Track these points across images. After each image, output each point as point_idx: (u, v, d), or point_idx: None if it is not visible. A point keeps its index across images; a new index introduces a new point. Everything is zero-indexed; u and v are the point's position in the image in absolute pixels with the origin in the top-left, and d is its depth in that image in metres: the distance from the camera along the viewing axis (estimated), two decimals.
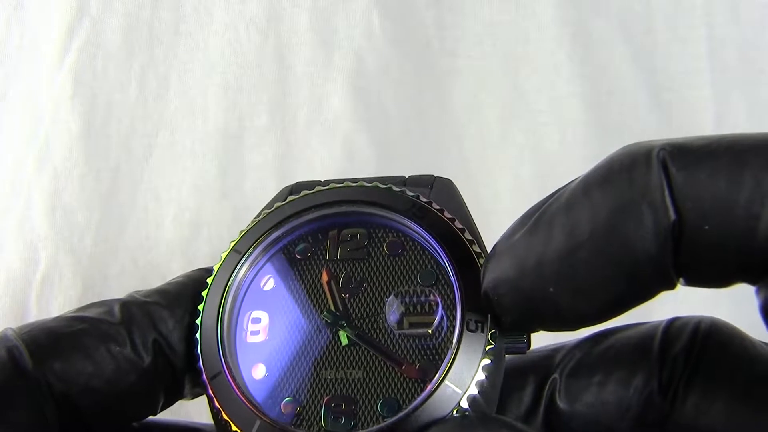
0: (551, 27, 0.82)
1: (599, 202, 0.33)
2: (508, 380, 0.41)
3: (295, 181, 0.48)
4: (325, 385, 0.40)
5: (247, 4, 0.79)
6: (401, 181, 0.46)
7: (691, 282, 0.34)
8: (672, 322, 0.41)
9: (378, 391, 0.40)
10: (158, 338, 0.41)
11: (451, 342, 0.40)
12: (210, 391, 0.40)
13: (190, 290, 0.43)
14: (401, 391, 0.40)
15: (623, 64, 0.81)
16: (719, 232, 0.31)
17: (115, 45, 0.77)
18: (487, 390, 0.39)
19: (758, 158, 0.31)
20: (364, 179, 0.45)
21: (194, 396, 0.44)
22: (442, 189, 0.46)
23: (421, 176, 0.46)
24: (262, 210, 0.46)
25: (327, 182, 0.46)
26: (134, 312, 0.41)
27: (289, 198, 0.45)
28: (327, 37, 0.79)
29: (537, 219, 0.35)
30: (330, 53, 0.79)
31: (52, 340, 0.39)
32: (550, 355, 0.43)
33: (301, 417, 0.40)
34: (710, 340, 0.39)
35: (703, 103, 0.81)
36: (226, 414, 0.39)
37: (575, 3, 0.82)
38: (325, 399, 0.40)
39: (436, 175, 0.46)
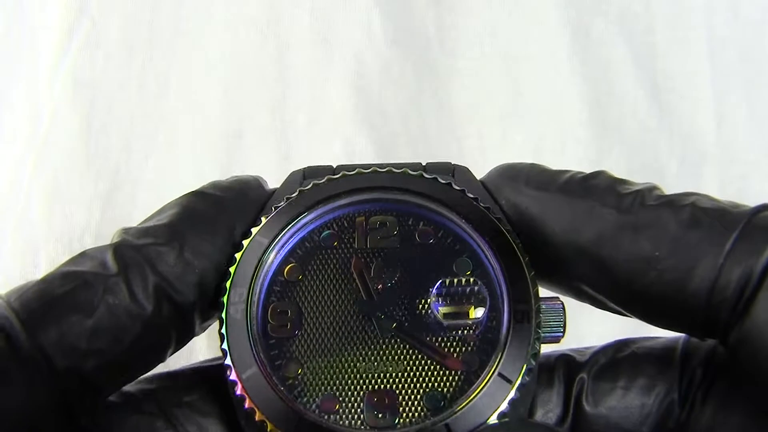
0: (551, 27, 0.82)
1: None
2: (537, 375, 0.40)
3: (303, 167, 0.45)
4: (364, 380, 0.39)
5: (247, 4, 0.79)
6: (420, 167, 0.44)
7: None
8: (689, 338, 0.42)
9: (421, 384, 0.39)
10: (159, 282, 0.38)
11: (500, 333, 0.39)
12: (241, 390, 0.38)
13: (186, 219, 0.40)
14: (445, 384, 0.39)
15: (623, 64, 0.81)
16: None
17: (115, 45, 0.77)
18: (530, 382, 0.38)
19: None
20: (379, 165, 0.44)
21: (204, 330, 0.42)
22: (464, 176, 0.44)
23: (439, 163, 0.45)
24: (277, 190, 0.44)
25: (340, 168, 0.44)
26: (129, 258, 0.38)
27: (312, 183, 0.43)
28: (327, 37, 0.79)
29: None
30: (330, 53, 0.79)
31: (45, 305, 0.36)
32: (573, 356, 0.43)
33: (342, 414, 0.38)
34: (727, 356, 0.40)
35: (703, 103, 0.81)
36: (262, 413, 0.37)
37: (575, 3, 0.82)
38: (366, 394, 0.38)
39: (453, 163, 0.45)
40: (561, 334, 0.40)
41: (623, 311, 0.40)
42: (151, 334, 0.37)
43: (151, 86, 0.76)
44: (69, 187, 0.72)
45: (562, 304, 0.41)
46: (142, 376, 0.40)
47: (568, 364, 0.42)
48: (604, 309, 0.41)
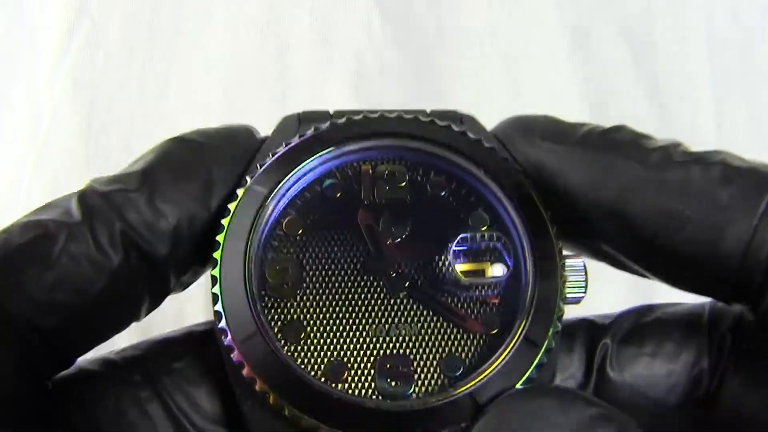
0: (551, 27, 0.82)
1: None
2: None
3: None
4: (374, 344, 0.35)
5: (247, 4, 0.79)
6: (424, 114, 0.40)
7: None
8: (715, 303, 0.40)
9: (437, 349, 0.35)
10: (127, 229, 0.34)
11: (524, 292, 0.35)
12: (238, 356, 0.33)
13: (160, 165, 0.36)
14: (464, 348, 0.35)
15: (623, 64, 0.81)
16: None
17: (115, 45, 0.77)
18: (556, 346, 0.35)
19: None
20: (380, 110, 0.40)
21: (183, 288, 0.38)
22: (474, 125, 0.40)
23: (445, 111, 0.41)
24: (270, 136, 0.39)
25: (339, 113, 0.40)
26: (94, 203, 0.34)
27: (313, 128, 0.38)
28: (327, 37, 0.79)
29: None
30: (330, 53, 0.79)
31: (5, 257, 0.33)
32: (595, 320, 0.41)
33: (351, 382, 0.34)
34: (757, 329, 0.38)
35: (703, 103, 0.81)
36: (264, 382, 0.33)
37: (575, 4, 0.82)
38: (377, 360, 0.35)
39: (460, 111, 0.41)
40: (583, 294, 0.37)
41: (645, 272, 0.37)
42: (119, 287, 0.34)
43: (151, 86, 0.76)
44: (69, 187, 0.72)
45: (584, 262, 0.38)
46: (129, 345, 0.38)
47: (590, 328, 0.40)
48: (623, 269, 0.38)
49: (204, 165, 0.37)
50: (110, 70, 0.75)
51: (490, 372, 0.34)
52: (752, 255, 0.34)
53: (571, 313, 0.38)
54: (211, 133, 0.39)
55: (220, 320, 0.34)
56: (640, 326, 0.39)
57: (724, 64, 0.82)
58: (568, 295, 0.36)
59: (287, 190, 0.37)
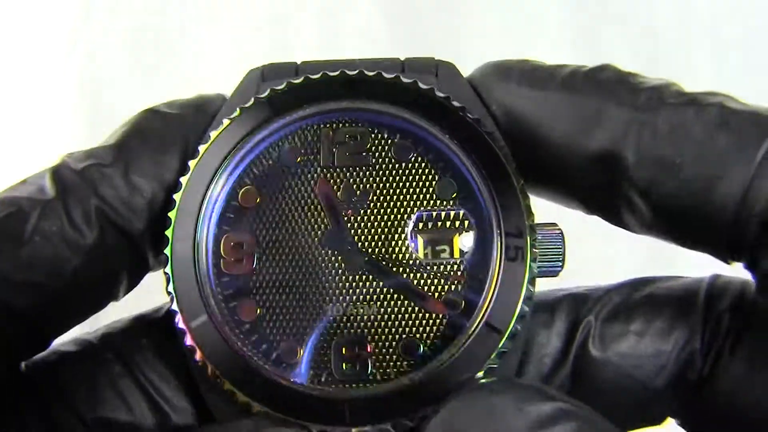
0: (555, 30, 0.82)
1: None
2: (533, 314, 0.34)
3: (262, 64, 0.39)
4: (330, 325, 0.33)
5: (252, 8, 0.79)
6: (397, 64, 0.37)
7: None
8: (716, 278, 0.37)
9: (396, 331, 0.33)
10: (101, 205, 0.33)
11: (488, 271, 0.33)
12: (191, 340, 0.32)
13: (134, 138, 0.35)
14: (425, 331, 0.33)
15: (626, 67, 0.81)
16: None
17: (119, 48, 0.77)
18: (521, 330, 0.33)
19: None
20: (350, 61, 0.37)
21: (163, 266, 0.36)
22: (450, 76, 0.38)
23: (421, 59, 0.38)
24: (231, 96, 0.37)
25: (306, 65, 0.38)
26: (68, 180, 0.34)
27: (269, 90, 0.36)
28: (332, 40, 0.79)
29: None
30: (335, 57, 0.79)
31: None
32: (582, 294, 0.37)
33: (307, 365, 0.33)
34: (760, 302, 0.35)
35: None
36: (216, 369, 0.32)
37: (579, 7, 0.82)
38: (333, 342, 0.33)
39: (437, 58, 0.39)
40: (560, 267, 0.34)
41: (636, 226, 0.35)
42: (95, 266, 0.33)
43: (155, 89, 0.76)
44: None
45: (561, 232, 0.35)
46: (104, 325, 0.37)
47: (573, 302, 0.37)
48: (614, 223, 0.36)
49: (179, 136, 0.36)
50: (115, 73, 0.76)
51: (450, 359, 0.32)
52: (747, 207, 0.31)
53: (554, 284, 0.37)
54: (184, 104, 0.38)
55: (172, 302, 0.33)
56: (630, 301, 0.36)
57: (727, 67, 0.82)
58: (542, 269, 0.34)
59: (241, 159, 0.35)
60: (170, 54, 0.78)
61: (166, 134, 0.36)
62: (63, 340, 0.36)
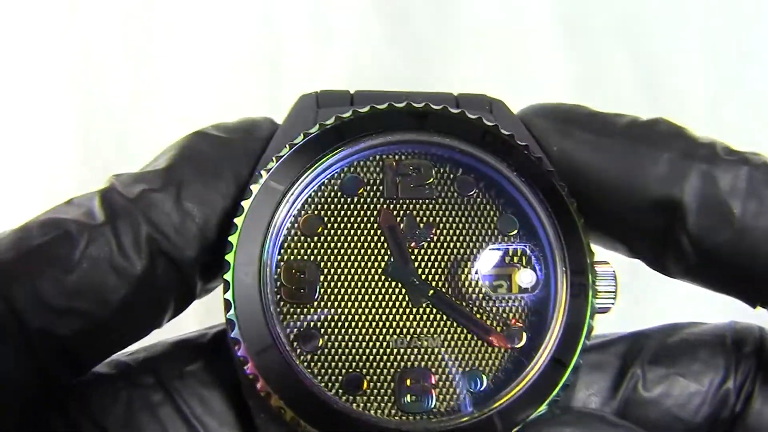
0: (550, 28, 0.81)
1: None
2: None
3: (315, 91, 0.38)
4: (395, 357, 0.33)
5: (244, 5, 0.79)
6: (450, 99, 0.38)
7: None
8: (734, 324, 0.40)
9: (460, 363, 0.33)
10: (153, 233, 0.32)
11: (553, 307, 0.34)
12: (253, 369, 0.31)
13: (185, 162, 0.34)
14: (488, 363, 0.33)
15: (622, 67, 0.81)
16: None
17: (110, 45, 0.76)
18: (582, 364, 0.33)
19: None
20: (404, 93, 0.37)
21: (208, 292, 0.36)
22: (503, 116, 0.38)
23: (473, 95, 0.39)
24: (286, 120, 0.36)
25: (359, 95, 0.38)
26: (118, 204, 0.32)
27: (335, 117, 0.35)
28: (325, 37, 0.79)
29: None
30: (328, 54, 0.79)
31: (19, 256, 0.31)
32: (626, 337, 0.40)
33: (370, 396, 0.33)
34: None
35: (698, 104, 0.80)
36: (279, 399, 0.31)
37: (574, 5, 0.82)
38: (397, 373, 0.33)
39: (489, 96, 0.39)
40: (613, 303, 0.35)
41: (685, 273, 0.37)
42: (142, 295, 0.32)
43: (146, 86, 0.76)
44: (66, 187, 0.72)
45: (614, 270, 0.36)
46: (140, 347, 0.36)
47: (617, 343, 0.39)
48: (654, 267, 0.37)
49: (230, 160, 0.35)
50: (105, 70, 0.75)
51: (516, 393, 0.32)
52: None
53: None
54: (232, 127, 0.37)
55: (233, 329, 0.32)
56: (667, 346, 0.39)
57: (722, 67, 0.82)
58: (599, 306, 0.34)
59: (306, 185, 0.35)
60: (160, 48, 0.77)
61: (217, 158, 0.35)
62: None
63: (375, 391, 0.33)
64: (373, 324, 0.33)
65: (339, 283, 0.34)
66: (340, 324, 0.33)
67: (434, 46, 0.80)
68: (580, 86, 0.80)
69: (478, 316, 0.34)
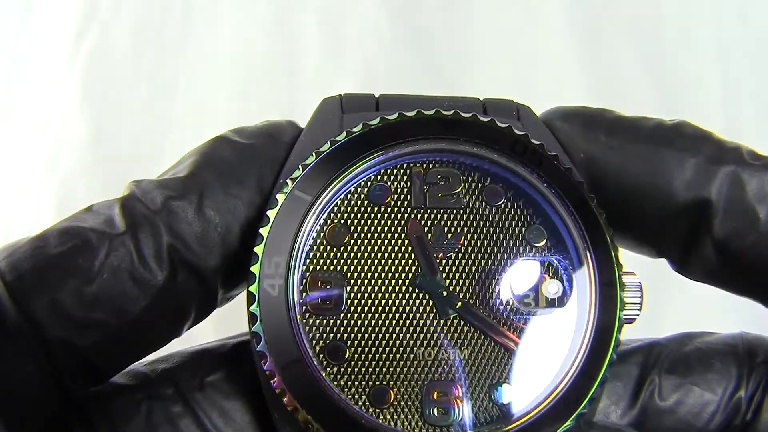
0: (561, 31, 0.81)
1: None
2: None
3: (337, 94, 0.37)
4: (421, 369, 0.32)
5: (255, 8, 0.79)
6: (477, 104, 0.37)
7: None
8: (745, 335, 0.41)
9: (487, 375, 0.33)
10: (174, 242, 0.31)
11: (582, 319, 0.33)
12: (279, 383, 0.31)
13: (206, 168, 0.33)
14: (515, 377, 0.33)
15: (633, 68, 0.81)
16: None
17: (123, 49, 0.77)
18: (608, 376, 0.32)
19: None
20: (431, 98, 0.36)
21: (228, 301, 0.35)
22: (530, 121, 0.37)
23: (500, 101, 0.38)
24: (308, 125, 0.35)
25: (384, 99, 0.37)
26: (139, 213, 0.31)
27: (362, 124, 0.34)
28: (336, 41, 0.79)
29: None
30: (339, 57, 0.79)
31: (37, 267, 0.30)
32: (644, 347, 0.40)
33: (397, 408, 0.32)
34: None
35: (713, 108, 0.80)
36: (307, 413, 0.30)
37: (585, 7, 0.82)
38: (424, 386, 0.32)
39: (515, 101, 0.38)
40: (638, 314, 0.34)
41: (708, 276, 0.37)
42: (163, 305, 0.32)
43: (159, 90, 0.76)
44: (79, 191, 0.72)
45: (640, 280, 0.35)
46: (158, 357, 0.35)
47: (634, 354, 0.39)
48: (676, 268, 0.38)
49: (253, 166, 0.34)
50: (119, 75, 0.76)
51: (543, 407, 0.31)
52: None
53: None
54: (255, 132, 0.35)
55: (258, 342, 0.31)
56: (681, 355, 0.39)
57: (733, 68, 0.81)
58: (624, 317, 0.34)
59: (333, 194, 0.34)
60: (173, 52, 0.77)
61: (239, 164, 0.34)
62: None
63: (402, 403, 0.32)
64: (400, 336, 0.33)
65: (366, 295, 0.33)
66: (366, 336, 0.33)
67: (447, 51, 0.80)
68: (596, 89, 0.79)
69: (505, 328, 0.33)
